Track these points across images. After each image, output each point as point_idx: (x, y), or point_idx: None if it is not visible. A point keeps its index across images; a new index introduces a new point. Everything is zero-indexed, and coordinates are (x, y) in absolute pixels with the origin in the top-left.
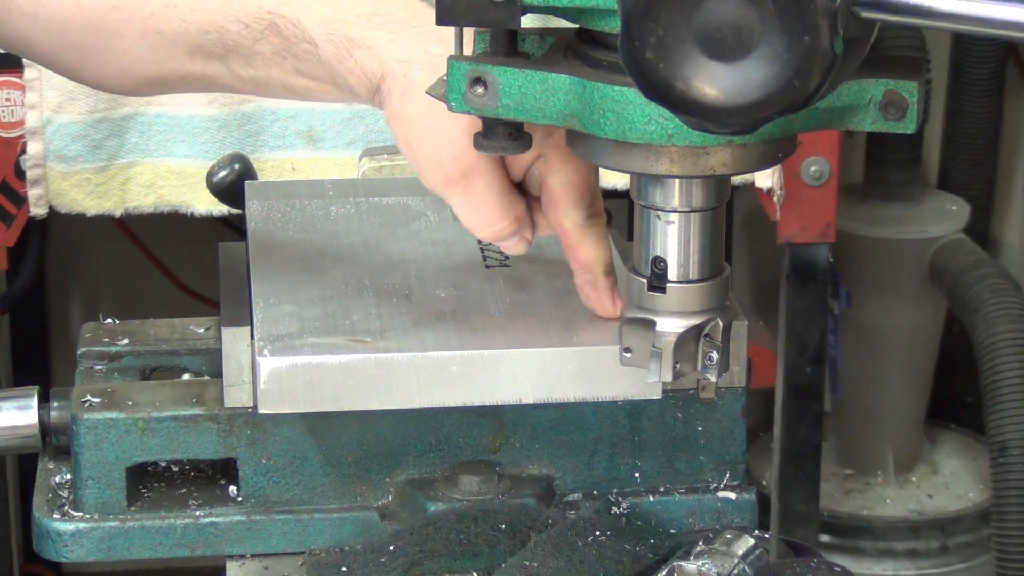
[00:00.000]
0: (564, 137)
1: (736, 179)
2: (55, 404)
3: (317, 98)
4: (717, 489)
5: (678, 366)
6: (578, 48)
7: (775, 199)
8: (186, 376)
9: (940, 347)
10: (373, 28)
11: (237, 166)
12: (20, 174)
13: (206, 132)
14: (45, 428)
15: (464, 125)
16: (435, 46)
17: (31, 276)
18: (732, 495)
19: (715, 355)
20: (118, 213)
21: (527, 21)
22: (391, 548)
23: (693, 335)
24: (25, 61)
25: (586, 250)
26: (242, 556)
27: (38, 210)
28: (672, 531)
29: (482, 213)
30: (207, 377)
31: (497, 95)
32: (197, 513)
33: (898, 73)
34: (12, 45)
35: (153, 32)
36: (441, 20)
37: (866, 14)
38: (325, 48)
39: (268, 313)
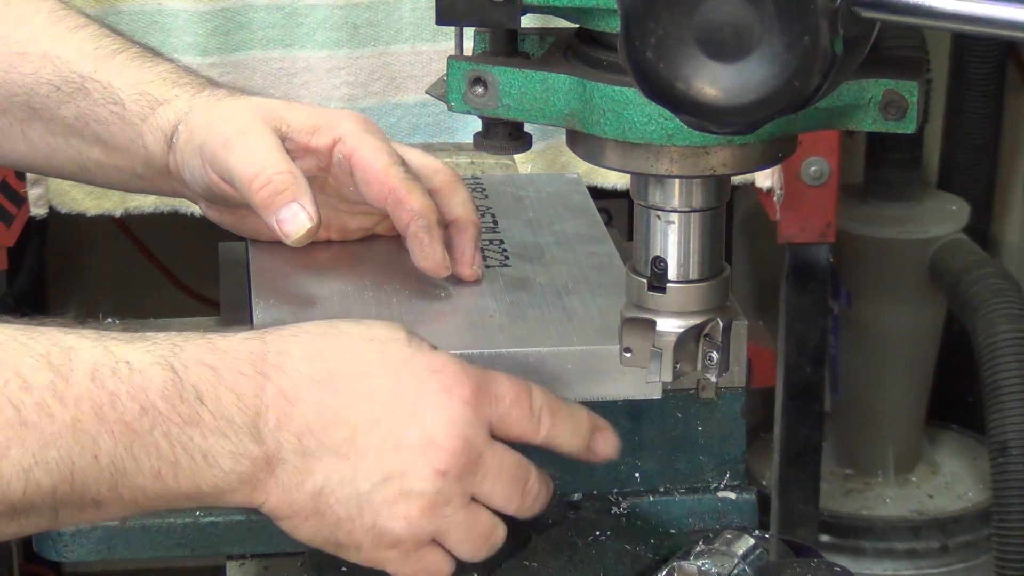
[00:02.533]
0: (355, 122)
1: (736, 179)
2: None
3: (103, 176)
4: (717, 489)
5: (678, 366)
6: (578, 48)
7: (775, 199)
8: None
9: (940, 347)
10: (178, 87)
11: None
12: (20, 174)
13: None
14: None
15: (245, 107)
16: (224, 92)
17: (31, 276)
18: (732, 495)
19: (715, 355)
20: (118, 213)
21: (527, 21)
22: None
23: (693, 335)
24: None
25: (417, 198)
26: (242, 556)
27: (38, 210)
28: (672, 531)
29: (254, 159)
30: None
31: (497, 95)
32: (197, 513)
33: (898, 73)
34: None
35: None
36: (441, 20)
37: (866, 14)
38: (131, 108)
39: (268, 313)
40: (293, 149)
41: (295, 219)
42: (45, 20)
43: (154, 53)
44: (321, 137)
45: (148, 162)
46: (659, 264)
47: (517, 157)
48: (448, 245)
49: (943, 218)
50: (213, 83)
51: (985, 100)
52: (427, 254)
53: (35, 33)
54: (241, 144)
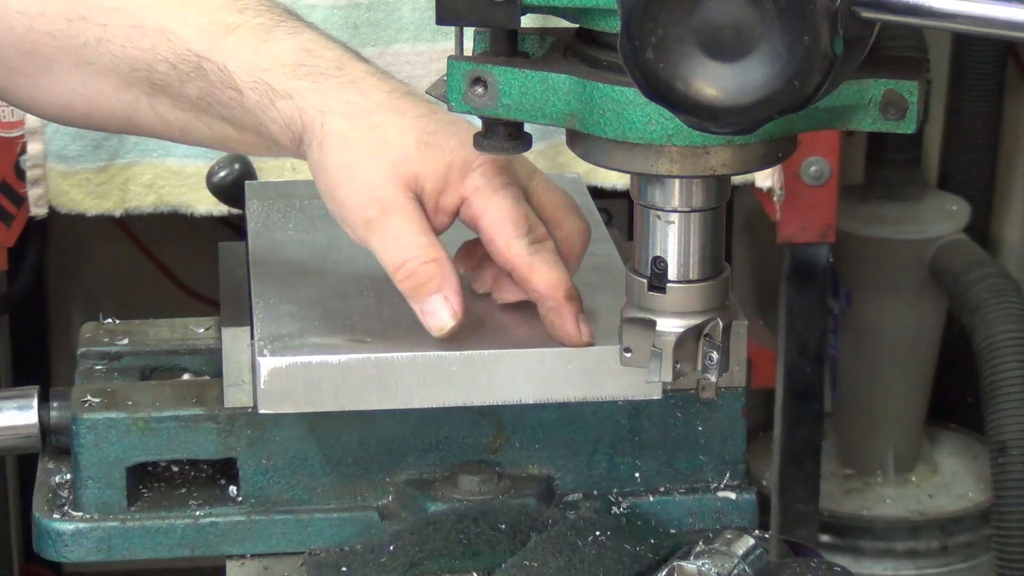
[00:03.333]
0: (483, 174)
1: (736, 179)
2: (55, 404)
3: (242, 149)
4: (717, 489)
5: (678, 366)
6: (578, 48)
7: (775, 199)
8: (186, 376)
9: (940, 347)
10: (297, 78)
11: (237, 166)
12: (20, 174)
13: None
14: (45, 428)
15: (382, 167)
16: (354, 95)
17: (31, 276)
18: (732, 495)
19: (715, 355)
20: (118, 213)
21: (527, 21)
22: (391, 548)
23: (693, 335)
24: None
25: (540, 277)
26: (242, 556)
27: (38, 210)
28: (672, 531)
29: (398, 246)
30: (207, 377)
31: (497, 95)
32: (197, 513)
33: (898, 73)
34: None
35: (85, 63)
36: (441, 20)
37: (866, 14)
38: (249, 96)
39: (268, 313)
40: (429, 208)
41: (437, 314)
42: None
43: (277, 22)
44: (449, 197)
45: (277, 149)
46: (659, 264)
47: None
48: None
49: (943, 218)
50: (340, 65)
51: (985, 100)
52: (559, 335)
53: (149, 4)
54: (383, 228)
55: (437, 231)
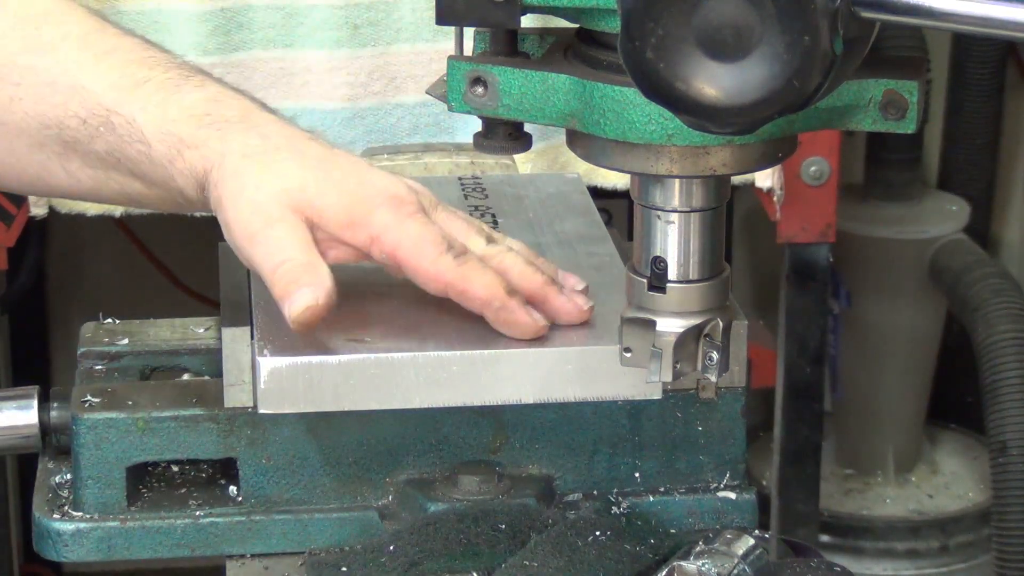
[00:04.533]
0: (388, 210)
1: (736, 179)
2: (55, 404)
3: (151, 206)
4: (717, 489)
5: (678, 366)
6: (578, 48)
7: (775, 199)
8: (186, 376)
9: (940, 347)
10: (203, 127)
11: None
12: None
13: None
14: (45, 428)
15: (271, 189)
16: (255, 139)
17: (31, 276)
18: (732, 495)
19: (715, 355)
20: (118, 213)
21: (527, 21)
22: (391, 548)
23: (693, 335)
24: None
25: (477, 284)
26: (242, 556)
27: (38, 210)
28: (672, 531)
29: (278, 250)
30: (207, 377)
31: (497, 95)
32: (197, 513)
33: (898, 73)
34: None
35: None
36: (441, 20)
37: (866, 14)
38: (157, 148)
39: (268, 313)
40: (324, 239)
41: (299, 300)
42: (74, 46)
43: (185, 76)
44: (357, 233)
45: (182, 202)
46: (659, 264)
47: (517, 157)
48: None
49: (943, 218)
50: (245, 113)
51: (985, 100)
52: (515, 331)
53: (63, 61)
54: (265, 238)
55: (330, 258)
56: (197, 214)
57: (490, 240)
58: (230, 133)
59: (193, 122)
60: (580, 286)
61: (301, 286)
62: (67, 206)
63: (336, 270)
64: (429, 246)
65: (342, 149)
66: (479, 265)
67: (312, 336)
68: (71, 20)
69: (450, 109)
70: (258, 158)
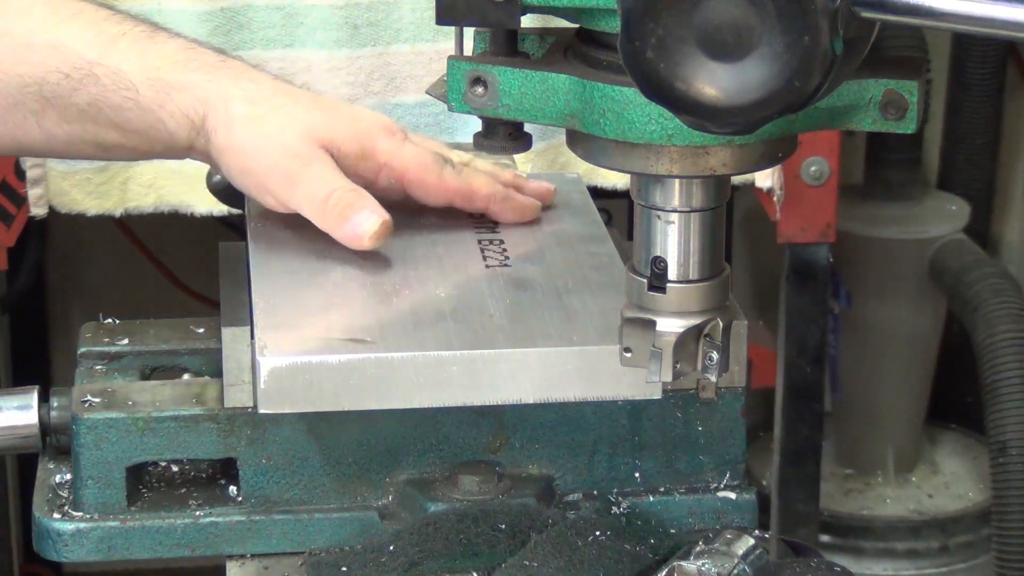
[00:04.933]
0: (386, 138)
1: (736, 179)
2: (55, 404)
3: (123, 155)
4: (717, 489)
5: (678, 366)
6: (578, 48)
7: (775, 199)
8: (186, 376)
9: (940, 347)
10: (189, 72)
11: None
12: (20, 174)
13: None
14: (45, 428)
15: (294, 131)
16: (248, 84)
17: (31, 276)
18: (732, 495)
19: (715, 355)
20: (118, 213)
21: (527, 21)
22: (391, 548)
23: (693, 335)
24: None
25: (480, 185)
26: (242, 556)
27: (38, 210)
28: (672, 531)
29: (324, 183)
30: (207, 377)
31: (497, 95)
32: (197, 513)
33: (898, 73)
34: None
35: None
36: (441, 20)
37: (866, 14)
38: (145, 94)
39: (268, 313)
40: (343, 169)
41: (364, 223)
42: (43, 10)
43: (155, 30)
44: (368, 163)
45: (170, 144)
46: (659, 264)
47: (517, 157)
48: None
49: (943, 218)
50: (223, 59)
51: (985, 100)
52: (520, 214)
53: (36, 23)
54: (306, 176)
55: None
56: (197, 214)
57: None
58: (219, 77)
59: (177, 67)
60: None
61: (360, 208)
62: (67, 206)
63: (336, 271)
64: (432, 164)
65: None
66: (472, 170)
67: (312, 336)
68: None
69: (450, 109)
70: (263, 104)
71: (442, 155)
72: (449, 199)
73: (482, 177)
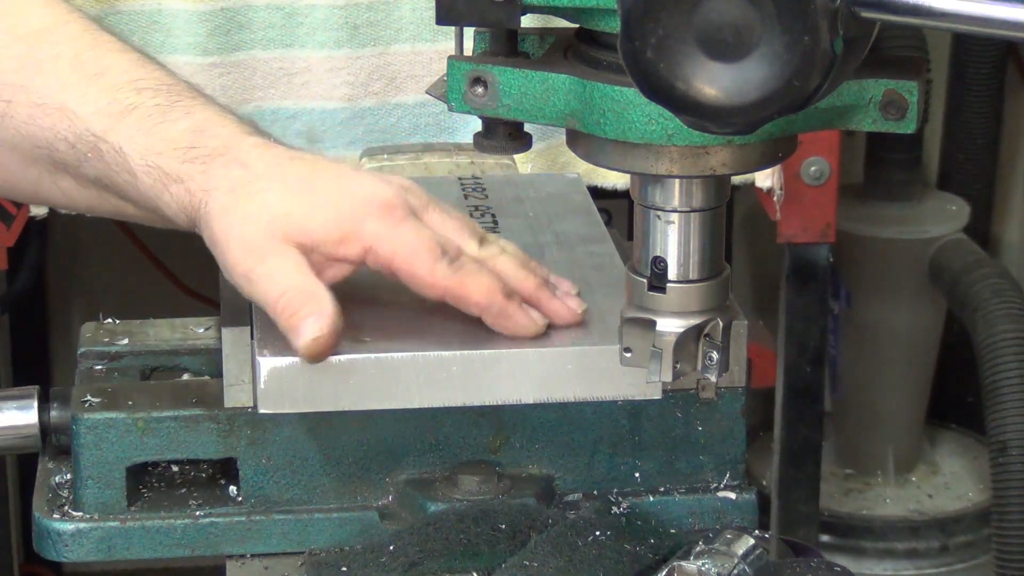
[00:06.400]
0: (379, 218)
1: (736, 179)
2: (55, 404)
3: (149, 223)
4: (717, 489)
5: (678, 366)
6: (578, 48)
7: (775, 199)
8: (186, 376)
9: (940, 347)
10: (187, 162)
11: None
12: None
13: None
14: (45, 428)
15: (257, 224)
16: (237, 171)
17: (31, 276)
18: (732, 495)
19: (715, 355)
20: None
21: (527, 21)
22: (391, 548)
23: (693, 335)
24: None
25: (475, 289)
26: (242, 556)
27: (38, 210)
28: (672, 531)
29: (276, 283)
30: (207, 377)
31: (497, 95)
32: (197, 513)
33: (898, 73)
34: None
35: None
36: (441, 20)
37: (866, 14)
38: (143, 180)
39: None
40: (320, 261)
41: (307, 329)
42: (66, 67)
43: (173, 102)
44: (351, 248)
45: (176, 224)
46: (659, 264)
47: (517, 157)
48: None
49: (943, 218)
50: (230, 144)
51: (985, 100)
52: (514, 332)
53: (53, 83)
54: (261, 275)
55: (328, 277)
56: None
57: (483, 241)
58: (212, 167)
59: (178, 155)
60: (573, 290)
61: (304, 317)
62: None
63: None
64: (424, 253)
65: (342, 149)
66: (475, 269)
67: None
68: (65, 38)
69: (450, 109)
70: (240, 192)
71: (446, 242)
72: (440, 296)
73: (482, 281)
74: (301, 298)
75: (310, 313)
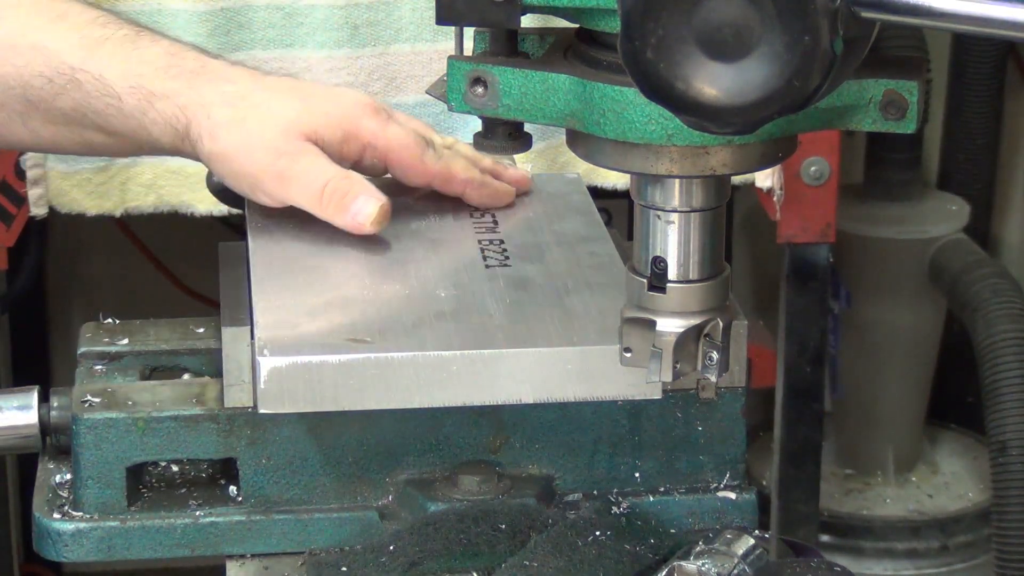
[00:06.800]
0: (370, 118)
1: (736, 179)
2: (55, 404)
3: (111, 154)
4: (717, 489)
5: (678, 366)
6: (578, 48)
7: (775, 199)
8: (186, 376)
9: (940, 347)
10: (170, 79)
11: None
12: (20, 174)
13: None
14: (45, 428)
15: (276, 128)
16: (227, 86)
17: (31, 276)
18: (732, 495)
19: (715, 355)
20: (118, 213)
21: (527, 21)
22: (391, 548)
23: (693, 335)
24: None
25: (459, 171)
26: (242, 556)
27: (38, 210)
28: (672, 531)
29: (315, 175)
30: (207, 377)
31: (497, 95)
32: (197, 513)
33: (898, 73)
34: None
35: None
36: (441, 20)
37: (866, 14)
38: (128, 101)
39: (268, 313)
40: (329, 155)
41: (364, 209)
42: (28, 12)
43: (138, 33)
44: (351, 145)
45: (154, 147)
46: (659, 264)
47: (517, 157)
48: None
49: (943, 218)
50: (202, 63)
51: (985, 100)
52: (496, 200)
53: (20, 26)
54: (297, 172)
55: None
56: (197, 214)
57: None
58: (197, 83)
59: (159, 74)
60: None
61: (356, 195)
62: (67, 206)
63: (336, 270)
64: (414, 146)
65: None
66: (452, 154)
67: (312, 336)
68: None
69: (450, 109)
70: (242, 104)
71: (425, 136)
72: (428, 181)
73: (461, 162)
74: (346, 183)
75: (360, 191)
